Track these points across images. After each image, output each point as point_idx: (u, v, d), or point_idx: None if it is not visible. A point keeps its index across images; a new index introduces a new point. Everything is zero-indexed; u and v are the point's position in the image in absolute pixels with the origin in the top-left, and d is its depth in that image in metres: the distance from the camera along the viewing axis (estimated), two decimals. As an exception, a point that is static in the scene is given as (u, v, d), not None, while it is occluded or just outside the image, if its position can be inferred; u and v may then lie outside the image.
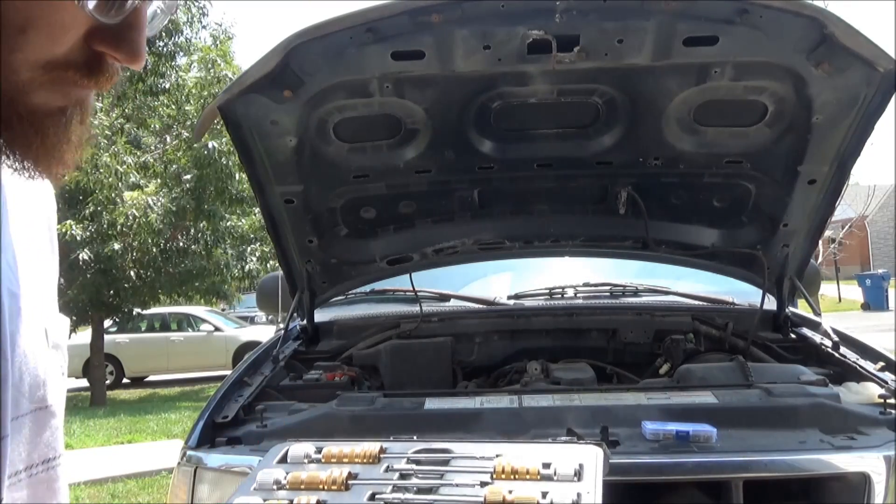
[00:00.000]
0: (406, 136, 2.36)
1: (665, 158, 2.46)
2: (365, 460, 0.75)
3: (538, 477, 0.69)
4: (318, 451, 0.77)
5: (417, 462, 0.74)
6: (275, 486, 0.72)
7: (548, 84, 2.16)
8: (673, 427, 1.72)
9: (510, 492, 0.66)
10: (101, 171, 9.42)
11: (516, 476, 0.68)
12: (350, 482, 0.71)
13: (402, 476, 0.71)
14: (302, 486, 0.71)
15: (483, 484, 0.68)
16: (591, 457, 0.74)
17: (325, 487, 0.70)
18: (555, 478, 0.70)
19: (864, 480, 1.63)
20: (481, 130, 2.36)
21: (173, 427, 8.18)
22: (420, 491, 0.69)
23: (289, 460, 0.79)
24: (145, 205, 9.45)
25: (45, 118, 0.56)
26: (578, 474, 0.71)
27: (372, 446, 0.77)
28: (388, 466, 0.75)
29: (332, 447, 0.78)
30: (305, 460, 0.77)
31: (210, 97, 10.09)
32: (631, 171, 2.54)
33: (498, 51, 1.98)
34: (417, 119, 2.29)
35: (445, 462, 0.75)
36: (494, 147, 2.42)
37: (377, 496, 0.69)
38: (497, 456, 0.72)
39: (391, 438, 0.80)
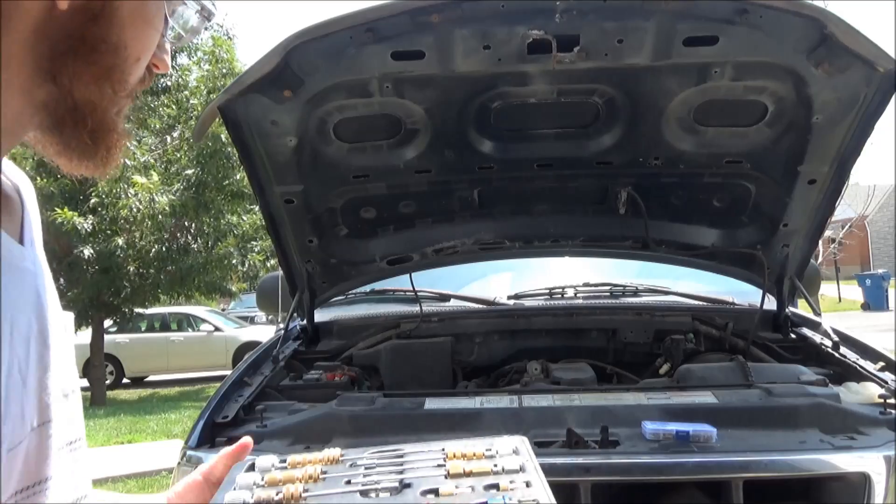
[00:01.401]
0: (406, 136, 2.36)
1: (665, 158, 2.46)
2: (328, 462, 0.81)
3: (483, 457, 0.79)
4: (283, 461, 0.83)
5: (378, 457, 0.82)
6: (252, 491, 0.76)
7: (548, 84, 2.16)
8: (673, 427, 1.72)
9: (468, 462, 0.76)
10: None
11: (465, 457, 0.78)
12: (323, 476, 0.77)
13: (368, 468, 0.79)
14: (280, 483, 0.76)
15: (440, 465, 0.77)
16: (519, 442, 0.83)
17: (303, 481, 0.76)
18: (497, 455, 0.79)
19: (864, 480, 1.63)
20: (481, 130, 2.36)
21: (173, 427, 8.18)
22: (389, 473, 0.77)
23: (256, 471, 0.82)
24: (150, 197, 9.43)
25: (112, 128, 0.66)
26: (517, 451, 0.81)
27: (332, 452, 0.83)
28: (352, 463, 0.81)
29: (295, 456, 0.83)
30: (272, 468, 0.81)
31: (216, 90, 10.10)
32: (631, 171, 2.53)
33: (498, 51, 1.98)
34: (417, 119, 2.29)
35: (401, 455, 0.82)
36: (494, 147, 2.42)
37: (352, 481, 0.75)
38: (443, 448, 0.82)
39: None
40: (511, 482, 0.73)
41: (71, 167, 0.68)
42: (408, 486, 0.74)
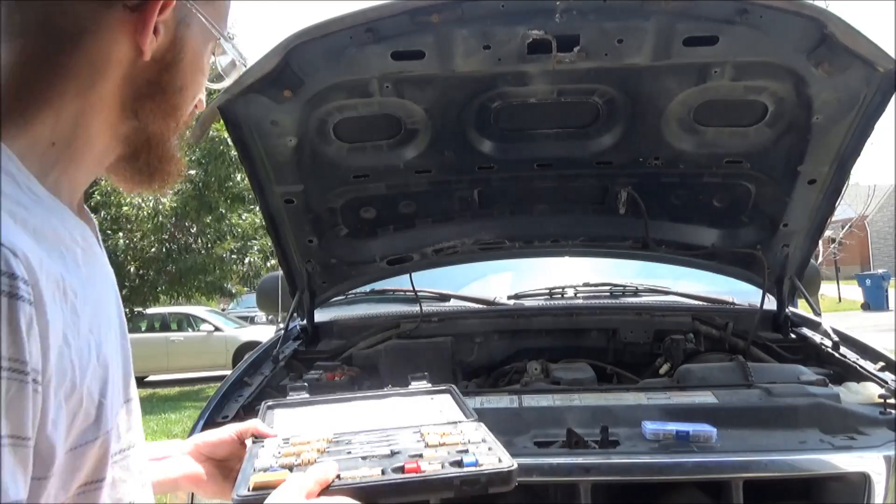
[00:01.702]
0: (406, 136, 2.36)
1: (665, 158, 2.46)
2: (327, 441, 0.99)
3: (452, 434, 0.99)
4: (286, 440, 1.01)
5: (366, 437, 1.01)
6: (276, 459, 0.94)
7: (548, 84, 2.16)
8: (673, 427, 1.72)
9: (442, 437, 0.98)
10: None
11: (438, 434, 0.99)
12: (327, 449, 0.96)
13: (361, 443, 0.98)
14: (296, 455, 0.93)
15: (419, 441, 0.97)
16: (477, 426, 1.04)
17: (313, 452, 0.94)
18: (463, 433, 1.00)
19: (864, 480, 1.63)
20: (481, 130, 2.36)
21: (173, 427, 8.19)
22: (380, 446, 0.96)
23: (269, 447, 1.00)
24: (156, 197, 9.44)
25: (173, 154, 0.83)
26: (478, 430, 1.01)
27: (325, 434, 1.02)
28: (347, 441, 0.99)
29: (296, 437, 1.02)
30: (280, 446, 1.00)
31: (216, 90, 10.10)
32: (631, 171, 2.53)
33: (498, 51, 1.98)
34: (417, 119, 2.29)
35: (386, 434, 1.01)
36: (494, 147, 2.42)
37: (352, 452, 0.94)
38: (419, 429, 1.02)
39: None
40: (477, 448, 0.94)
41: (137, 188, 0.84)
42: (397, 453, 0.93)
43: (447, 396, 1.22)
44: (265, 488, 0.83)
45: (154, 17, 0.74)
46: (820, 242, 3.14)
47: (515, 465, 0.88)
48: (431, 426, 1.03)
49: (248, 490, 0.84)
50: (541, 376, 2.39)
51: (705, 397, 1.96)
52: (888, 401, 1.87)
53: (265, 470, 0.90)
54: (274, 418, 1.17)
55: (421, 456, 0.91)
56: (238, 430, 1.06)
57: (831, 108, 2.13)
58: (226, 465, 1.06)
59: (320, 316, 2.84)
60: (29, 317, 0.59)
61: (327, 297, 2.83)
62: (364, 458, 0.92)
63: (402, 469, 0.87)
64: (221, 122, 2.17)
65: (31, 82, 0.72)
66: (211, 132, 9.68)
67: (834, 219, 5.31)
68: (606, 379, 2.57)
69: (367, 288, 3.07)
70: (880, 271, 21.04)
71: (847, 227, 20.40)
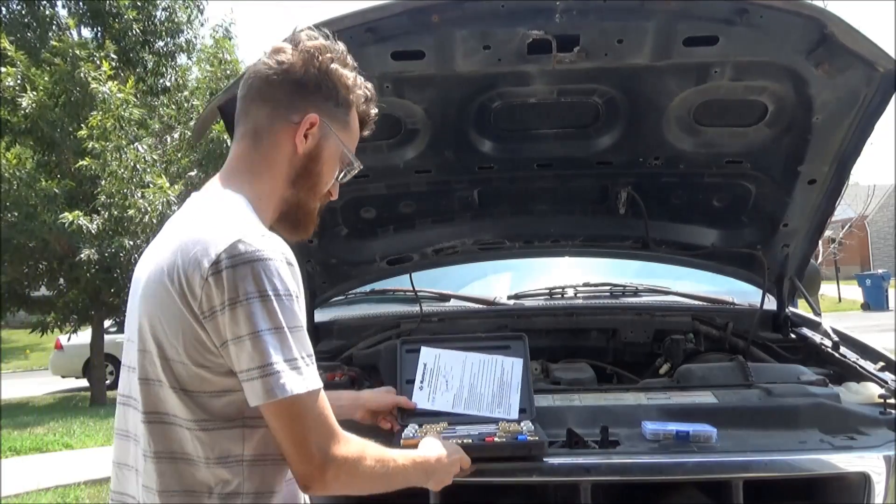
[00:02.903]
0: (406, 136, 2.36)
1: (665, 158, 2.46)
2: (442, 428, 1.74)
3: (513, 425, 1.77)
4: (421, 425, 1.76)
5: (464, 427, 1.76)
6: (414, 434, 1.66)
7: (548, 84, 2.16)
8: (673, 427, 1.72)
9: (510, 428, 1.74)
10: (122, 161, 9.43)
11: (508, 426, 1.77)
12: (445, 431, 1.71)
13: (462, 428, 1.74)
14: (426, 431, 1.67)
15: (495, 426, 1.75)
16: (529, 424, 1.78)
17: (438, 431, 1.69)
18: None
19: (864, 480, 1.63)
20: (481, 130, 2.36)
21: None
22: (474, 429, 1.73)
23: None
24: (164, 199, 9.41)
25: (312, 213, 1.35)
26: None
27: (441, 424, 1.78)
28: (454, 428, 1.74)
29: (427, 426, 1.75)
30: (418, 426, 1.74)
31: (219, 91, 10.10)
32: (631, 171, 2.53)
33: (498, 51, 1.98)
34: (417, 119, 2.29)
35: (479, 424, 1.79)
36: (494, 147, 2.42)
37: (458, 433, 1.69)
38: (497, 423, 1.80)
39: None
40: (528, 433, 1.67)
41: (287, 234, 1.29)
42: (483, 433, 1.69)
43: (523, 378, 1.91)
44: (409, 447, 1.49)
45: (304, 129, 1.26)
46: (820, 242, 3.13)
47: (546, 442, 1.64)
48: (505, 421, 1.77)
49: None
50: (541, 376, 2.39)
51: (705, 397, 1.96)
52: (888, 401, 1.88)
53: (409, 438, 1.63)
54: (418, 357, 1.94)
55: (496, 434, 1.67)
56: (388, 391, 1.87)
57: (831, 108, 2.12)
58: (379, 414, 1.80)
59: (320, 316, 2.84)
60: (296, 272, 1.16)
61: (327, 297, 2.83)
62: (462, 436, 1.65)
63: (483, 439, 1.64)
64: (221, 122, 2.16)
65: (252, 163, 1.26)
66: (211, 133, 9.69)
67: (834, 219, 5.31)
68: (606, 379, 2.56)
69: (367, 288, 3.07)
70: (880, 271, 21.02)
71: (847, 227, 20.40)
